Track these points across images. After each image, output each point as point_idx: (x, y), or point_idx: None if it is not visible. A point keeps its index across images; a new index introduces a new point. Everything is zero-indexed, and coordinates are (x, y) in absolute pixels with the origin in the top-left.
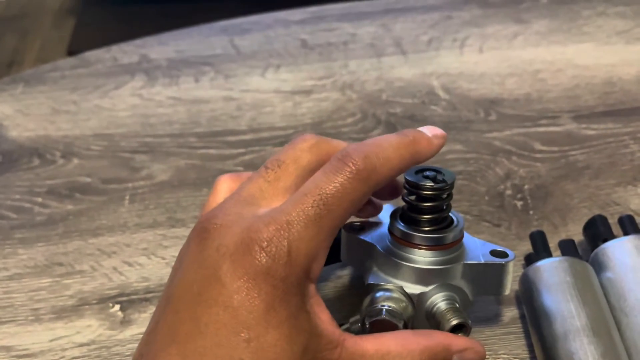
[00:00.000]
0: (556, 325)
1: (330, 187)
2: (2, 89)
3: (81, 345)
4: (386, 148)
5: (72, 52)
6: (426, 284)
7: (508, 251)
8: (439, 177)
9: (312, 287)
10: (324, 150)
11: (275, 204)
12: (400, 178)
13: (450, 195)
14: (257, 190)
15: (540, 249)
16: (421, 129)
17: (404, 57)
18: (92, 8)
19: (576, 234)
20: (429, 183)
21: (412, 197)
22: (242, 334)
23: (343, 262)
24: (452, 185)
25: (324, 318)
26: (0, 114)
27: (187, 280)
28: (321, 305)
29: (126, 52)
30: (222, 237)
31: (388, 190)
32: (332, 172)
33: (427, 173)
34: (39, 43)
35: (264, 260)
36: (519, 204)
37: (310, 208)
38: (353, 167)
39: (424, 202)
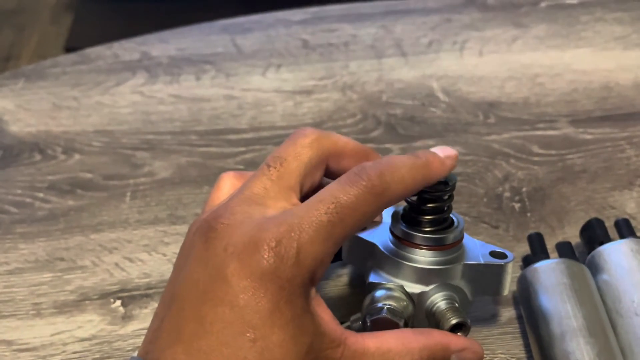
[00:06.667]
0: (553, 326)
1: (345, 198)
2: (3, 84)
3: (82, 339)
4: (400, 168)
5: (69, 48)
6: (426, 284)
7: (507, 252)
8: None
9: (313, 290)
10: (324, 145)
11: (281, 203)
12: None
13: (451, 197)
14: (262, 189)
15: (537, 250)
16: (434, 149)
17: (404, 58)
18: (89, 4)
19: (572, 236)
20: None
21: (414, 198)
22: (248, 334)
23: (344, 261)
24: (453, 187)
25: (326, 318)
26: (1, 109)
27: (192, 279)
28: (322, 306)
29: (127, 49)
30: (230, 237)
31: None
32: (347, 184)
33: None
34: (36, 38)
35: (272, 260)
36: (517, 206)
37: (323, 214)
38: (368, 182)
39: (425, 203)
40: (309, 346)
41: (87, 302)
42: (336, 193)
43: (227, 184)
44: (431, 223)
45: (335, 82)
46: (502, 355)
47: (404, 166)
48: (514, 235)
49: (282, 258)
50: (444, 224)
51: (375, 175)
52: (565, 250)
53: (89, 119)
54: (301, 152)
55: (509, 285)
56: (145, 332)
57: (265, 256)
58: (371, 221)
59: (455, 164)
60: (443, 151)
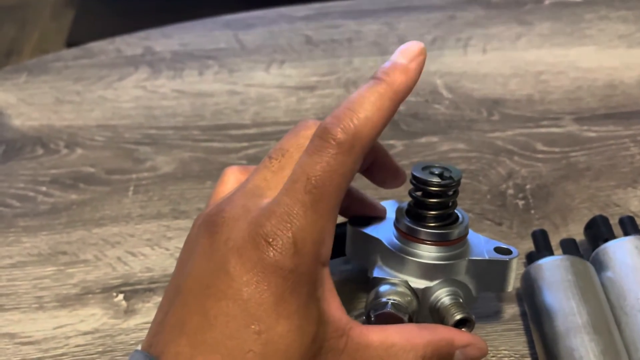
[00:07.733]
0: (557, 323)
1: (317, 168)
2: (6, 78)
3: (85, 333)
4: (362, 106)
5: (70, 43)
6: (431, 279)
7: (512, 248)
8: (446, 173)
9: (324, 271)
10: None
11: None
12: (408, 175)
13: (456, 192)
14: (262, 180)
15: (542, 247)
16: (394, 56)
17: None
18: (91, 0)
19: (576, 234)
20: (436, 179)
21: (419, 193)
22: (253, 326)
23: (348, 256)
24: (458, 182)
25: (333, 304)
26: (4, 103)
27: (196, 273)
28: (332, 291)
29: (130, 44)
30: (230, 231)
31: (390, 176)
32: (315, 152)
33: (434, 169)
34: (38, 33)
35: (272, 254)
36: (521, 203)
37: (303, 194)
38: (334, 142)
39: (430, 198)
40: (314, 335)
41: (89, 295)
42: (307, 167)
43: (232, 178)
44: (436, 218)
45: (338, 78)
46: (506, 352)
47: (365, 102)
48: (517, 233)
49: (281, 251)
50: (448, 219)
51: (339, 132)
52: (569, 247)
53: (91, 114)
54: (304, 143)
55: (513, 282)
56: (147, 326)
57: (265, 251)
58: (356, 173)
59: (423, 59)
60: (405, 54)
